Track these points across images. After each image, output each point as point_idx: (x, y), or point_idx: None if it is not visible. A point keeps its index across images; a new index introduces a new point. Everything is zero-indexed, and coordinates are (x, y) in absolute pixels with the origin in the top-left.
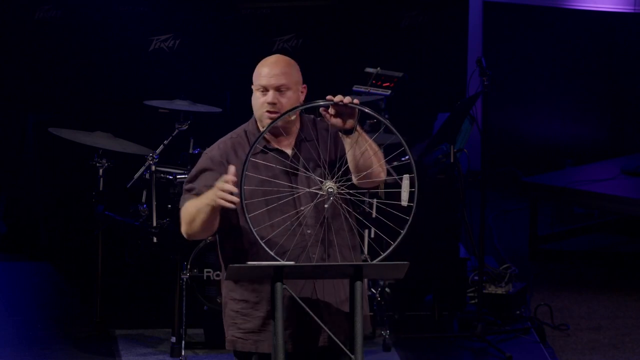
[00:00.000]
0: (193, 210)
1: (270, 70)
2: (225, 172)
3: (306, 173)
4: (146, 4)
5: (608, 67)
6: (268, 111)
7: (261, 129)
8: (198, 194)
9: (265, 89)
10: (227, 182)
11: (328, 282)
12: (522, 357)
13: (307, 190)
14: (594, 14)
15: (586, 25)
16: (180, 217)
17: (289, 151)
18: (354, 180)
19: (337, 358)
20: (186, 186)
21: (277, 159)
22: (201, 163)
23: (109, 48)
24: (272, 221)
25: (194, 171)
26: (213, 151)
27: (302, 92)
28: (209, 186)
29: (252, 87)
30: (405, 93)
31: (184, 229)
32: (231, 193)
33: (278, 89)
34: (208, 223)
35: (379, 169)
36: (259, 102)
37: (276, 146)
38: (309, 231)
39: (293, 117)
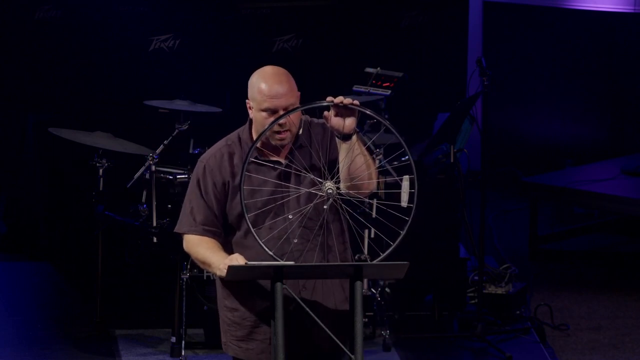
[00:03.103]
0: (201, 259)
1: (275, 90)
2: (222, 183)
3: (303, 173)
4: (146, 4)
5: (608, 67)
6: (278, 131)
7: (253, 139)
8: (200, 225)
9: (273, 111)
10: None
11: (317, 291)
12: (522, 357)
13: (306, 190)
14: (594, 14)
15: (586, 25)
16: (184, 242)
17: (282, 161)
18: (342, 186)
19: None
20: (187, 208)
21: (271, 170)
22: (200, 177)
23: (109, 48)
24: (261, 227)
25: (194, 184)
26: (209, 161)
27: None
28: (208, 210)
29: (251, 103)
30: (405, 93)
31: (187, 252)
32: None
33: (286, 109)
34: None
35: (369, 179)
36: (264, 121)
37: (270, 158)
38: (295, 240)
39: (301, 132)
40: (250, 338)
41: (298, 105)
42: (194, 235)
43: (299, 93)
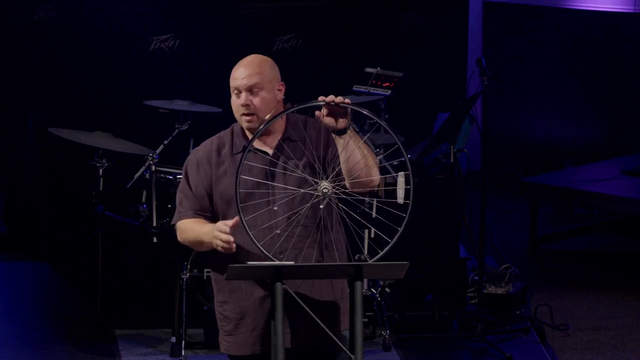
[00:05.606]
0: (193, 238)
1: (242, 72)
2: (209, 175)
3: (291, 166)
4: (146, 4)
5: (608, 67)
6: (244, 114)
7: (244, 131)
8: (189, 210)
9: (238, 91)
10: (221, 231)
11: (306, 286)
12: (522, 357)
13: (303, 191)
14: (594, 14)
15: (586, 25)
16: (177, 232)
17: (269, 151)
18: (347, 184)
19: (332, 358)
20: (177, 198)
21: (258, 159)
22: (187, 167)
23: (109, 48)
24: (245, 219)
25: (183, 176)
26: (199, 152)
27: (279, 89)
28: (195, 197)
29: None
30: (405, 93)
31: (182, 242)
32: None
33: (250, 90)
34: (210, 248)
35: (371, 173)
36: (235, 104)
37: (257, 146)
38: (278, 231)
39: (268, 118)
40: (235, 331)
41: (264, 85)
42: (183, 220)
43: (276, 77)
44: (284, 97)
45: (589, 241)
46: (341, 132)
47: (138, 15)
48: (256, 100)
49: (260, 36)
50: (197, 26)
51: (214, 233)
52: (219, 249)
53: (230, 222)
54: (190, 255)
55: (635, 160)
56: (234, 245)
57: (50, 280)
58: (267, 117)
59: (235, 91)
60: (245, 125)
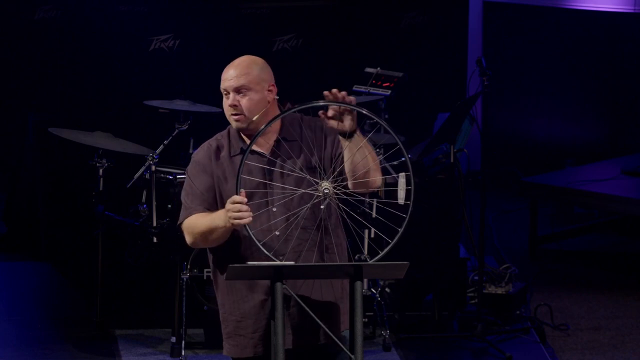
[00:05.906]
0: (205, 227)
1: (230, 73)
2: (210, 173)
3: (289, 165)
4: (146, 4)
5: (608, 67)
6: (232, 114)
7: (240, 132)
8: (199, 205)
9: (227, 92)
10: (234, 202)
11: (306, 287)
12: (522, 357)
13: (303, 191)
14: (594, 14)
15: (586, 25)
16: (185, 231)
17: (265, 152)
18: (350, 185)
19: (332, 358)
20: (184, 199)
21: (255, 160)
22: (190, 169)
23: (108, 48)
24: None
25: (186, 179)
26: (199, 154)
27: (269, 90)
28: (203, 195)
29: None
30: (405, 93)
31: (192, 242)
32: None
33: (237, 91)
34: (223, 238)
35: (375, 174)
36: (225, 106)
37: (253, 148)
38: (277, 233)
39: (255, 118)
40: (235, 334)
41: (252, 86)
42: (193, 216)
43: (265, 78)
44: (277, 97)
45: (589, 241)
46: (349, 134)
47: (138, 15)
48: (244, 101)
49: (260, 36)
50: (197, 26)
51: (228, 206)
52: (236, 222)
53: (238, 197)
54: (190, 255)
55: (635, 160)
56: (249, 214)
57: (50, 280)
58: (255, 117)
59: (225, 92)
60: (234, 125)
